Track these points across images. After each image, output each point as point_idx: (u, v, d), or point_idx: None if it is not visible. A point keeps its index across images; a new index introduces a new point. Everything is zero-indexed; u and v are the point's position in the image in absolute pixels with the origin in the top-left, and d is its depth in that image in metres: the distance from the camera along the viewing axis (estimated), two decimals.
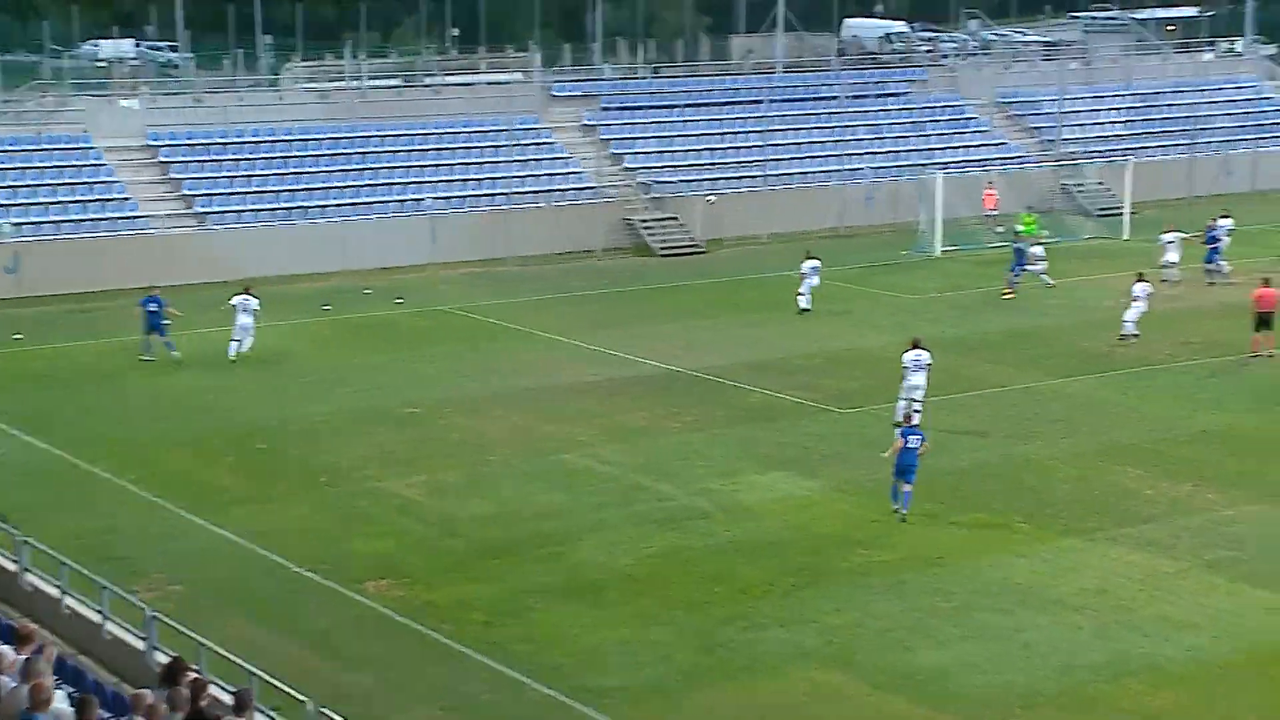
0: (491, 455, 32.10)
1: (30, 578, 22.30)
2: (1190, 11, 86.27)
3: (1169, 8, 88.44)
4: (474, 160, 56.71)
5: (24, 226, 48.73)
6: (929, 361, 32.96)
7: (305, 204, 53.03)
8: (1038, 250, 47.44)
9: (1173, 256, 47.27)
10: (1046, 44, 78.22)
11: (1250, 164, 66.85)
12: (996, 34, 79.23)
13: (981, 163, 61.75)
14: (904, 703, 21.29)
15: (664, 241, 55.50)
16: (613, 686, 21.78)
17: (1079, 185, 62.19)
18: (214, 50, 62.01)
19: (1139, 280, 41.08)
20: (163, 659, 17.71)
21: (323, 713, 16.87)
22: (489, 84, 61.31)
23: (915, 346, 33.26)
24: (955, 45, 76.22)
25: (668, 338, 42.35)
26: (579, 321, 44.35)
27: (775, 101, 62.22)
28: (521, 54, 64.12)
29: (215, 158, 53.55)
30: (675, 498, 29.36)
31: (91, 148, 52.16)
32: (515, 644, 23.05)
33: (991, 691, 21.55)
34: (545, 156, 58.17)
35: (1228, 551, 26.22)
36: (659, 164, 59.34)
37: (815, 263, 45.09)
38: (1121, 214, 56.99)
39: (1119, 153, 62.85)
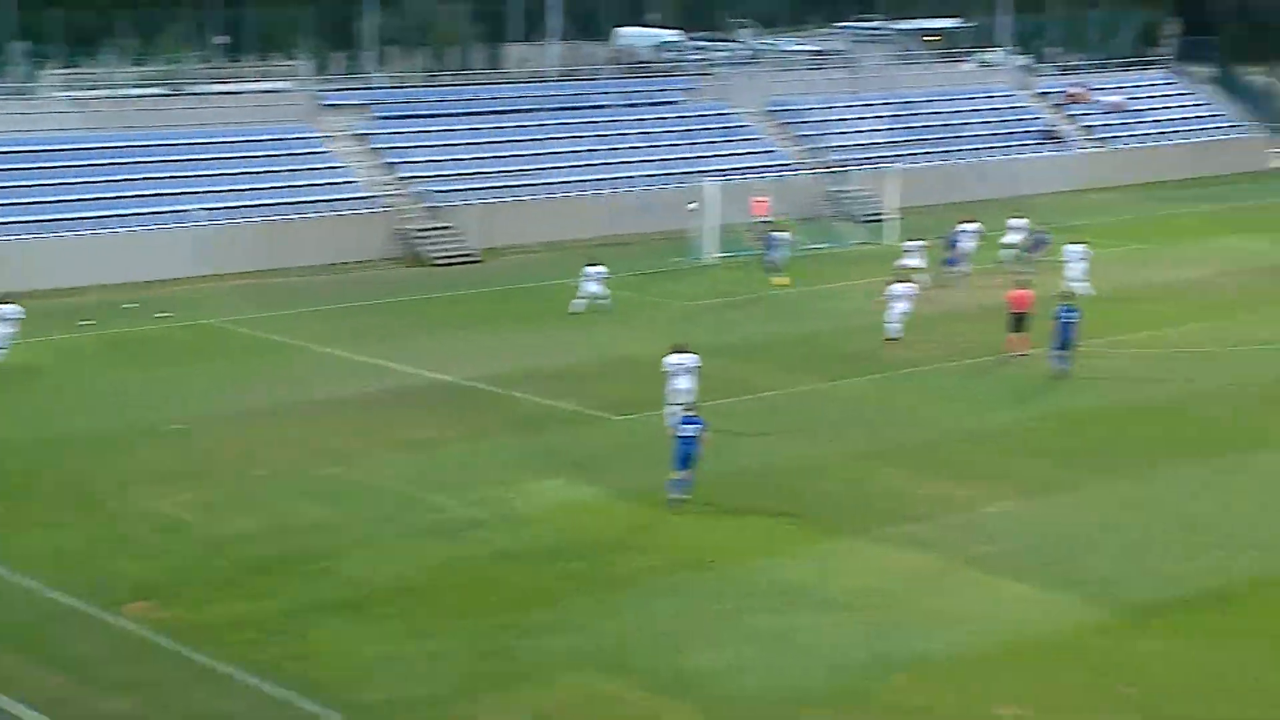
0: (261, 471, 31.44)
1: None
2: (949, 23, 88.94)
3: (929, 19, 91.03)
4: (243, 170, 55.51)
5: None
6: (695, 365, 33.21)
7: (64, 215, 51.24)
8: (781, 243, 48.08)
9: (914, 263, 48.71)
10: (814, 54, 79.80)
11: (1006, 171, 69.13)
12: (766, 43, 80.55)
13: (752, 170, 62.69)
14: (678, 705, 21.41)
15: (439, 251, 55.10)
16: (383, 700, 21.50)
17: (845, 192, 63.57)
18: None
19: (901, 282, 42.10)
20: None
21: None
22: (257, 92, 60.11)
23: (678, 351, 33.53)
24: (726, 54, 77.28)
25: (442, 348, 42.04)
26: (352, 333, 43.74)
27: (549, 110, 62.31)
28: (291, 62, 63.05)
29: None
30: (450, 508, 29.17)
31: None
32: (285, 662, 22.60)
33: (764, 692, 21.82)
34: (318, 166, 57.27)
35: (988, 547, 26.98)
36: (434, 173, 58.88)
37: (599, 269, 45.34)
38: (886, 220, 58.38)
39: (883, 160, 64.42)
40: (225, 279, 50.53)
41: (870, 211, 61.69)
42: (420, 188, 57.68)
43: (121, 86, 57.10)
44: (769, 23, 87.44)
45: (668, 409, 32.79)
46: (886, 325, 41.41)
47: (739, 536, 27.68)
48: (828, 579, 25.67)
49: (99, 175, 53.21)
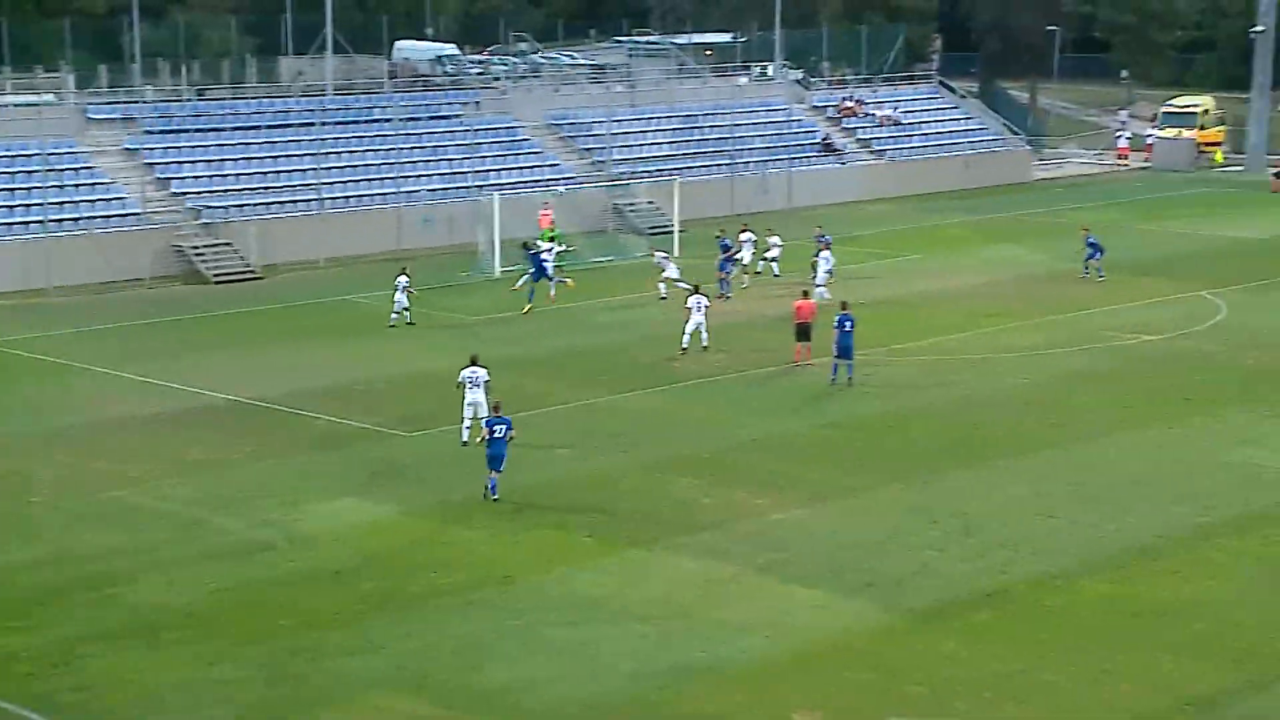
0: (36, 497, 30.41)
1: None
2: (725, 37, 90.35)
3: (705, 33, 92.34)
4: (4, 186, 53.62)
5: None
6: (486, 379, 33.15)
7: None
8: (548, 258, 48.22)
9: (672, 273, 49.42)
10: (593, 67, 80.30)
11: (785, 183, 70.46)
12: (545, 57, 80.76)
13: (536, 184, 62.73)
14: None
15: (217, 268, 53.92)
16: None
17: (630, 205, 64.06)
18: None
19: (695, 293, 42.53)
20: None
21: None
22: (17, 105, 58.05)
23: (473, 364, 33.44)
24: (506, 68, 77.27)
25: (225, 366, 41.21)
26: (129, 353, 42.58)
27: (327, 124, 61.45)
28: (53, 75, 61.07)
29: None
30: (237, 531, 28.58)
31: None
32: (64, 694, 21.90)
33: (560, 705, 21.81)
34: (84, 182, 55.56)
35: (777, 554, 27.37)
36: (208, 189, 57.63)
37: (403, 279, 45.42)
38: (671, 232, 58.95)
39: (665, 173, 65.04)
40: None
41: (655, 224, 62.27)
42: (194, 204, 56.38)
43: None
44: (545, 37, 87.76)
45: (466, 423, 32.90)
46: (684, 335, 41.74)
47: (534, 550, 27.62)
48: (623, 590, 25.78)
49: None
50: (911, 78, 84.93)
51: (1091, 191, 77.52)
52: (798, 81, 79.90)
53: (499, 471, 29.69)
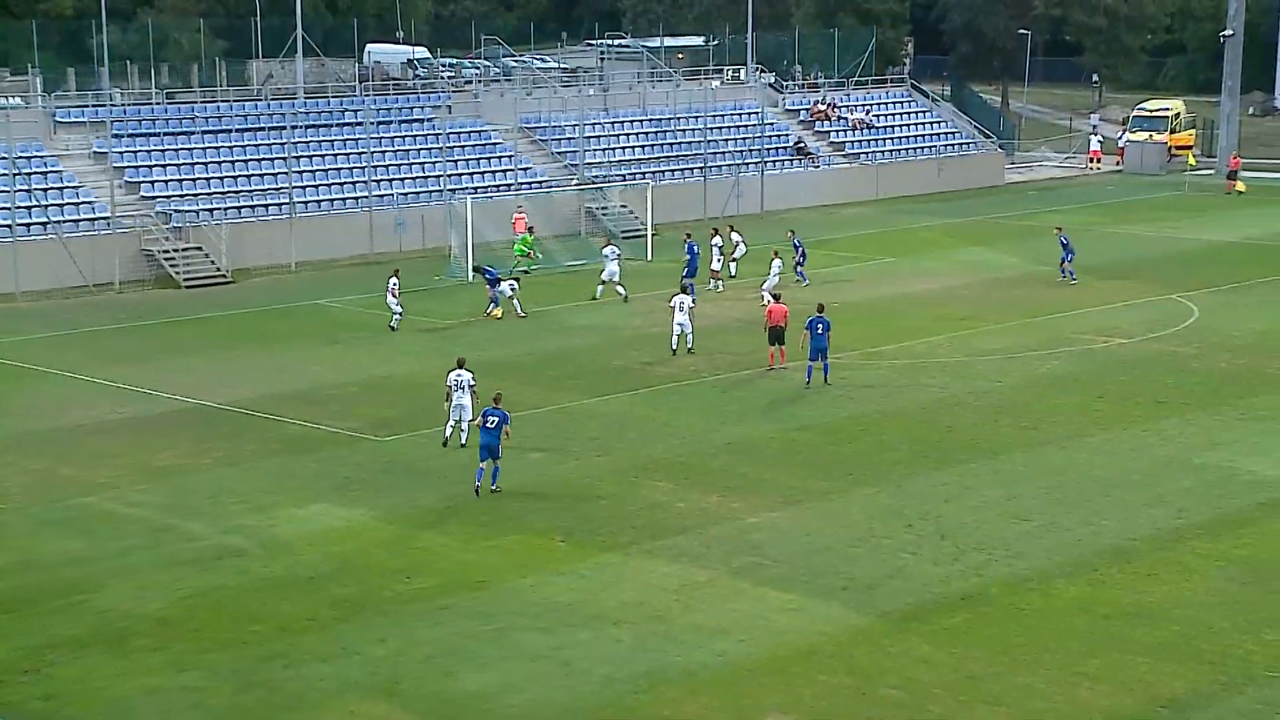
0: (3, 503, 30.15)
1: None
2: (696, 41, 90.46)
3: (677, 37, 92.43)
4: None
5: None
6: (471, 382, 33.16)
7: None
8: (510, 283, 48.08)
9: (608, 273, 49.51)
10: (565, 71, 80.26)
11: (758, 186, 70.47)
12: (517, 60, 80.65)
13: (508, 188, 62.63)
14: None
15: (188, 272, 53.65)
16: None
17: (603, 208, 63.98)
18: None
19: (681, 292, 42.55)
20: None
21: None
22: None
23: (459, 366, 33.46)
24: (478, 71, 77.16)
25: (195, 371, 40.98)
26: (98, 358, 42.31)
27: (298, 128, 61.22)
28: (20, 78, 60.67)
29: None
30: (208, 536, 28.38)
31: None
32: (32, 702, 21.70)
33: (534, 710, 21.70)
34: (53, 186, 55.22)
35: (752, 558, 27.30)
36: (178, 192, 57.34)
37: (394, 282, 45.37)
38: (644, 236, 58.91)
39: (638, 176, 65.05)
40: None
41: (628, 228, 62.23)
42: (164, 207, 56.08)
43: None
44: (517, 40, 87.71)
45: (448, 424, 33.09)
46: (675, 336, 41.88)
47: (507, 555, 27.49)
48: (597, 594, 25.66)
49: None
50: (884, 81, 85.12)
51: (1063, 194, 77.79)
52: (770, 85, 79.96)
53: (495, 460, 30.10)
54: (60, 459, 33.08)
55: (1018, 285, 52.68)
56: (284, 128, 60.20)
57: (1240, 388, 38.75)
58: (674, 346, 41.86)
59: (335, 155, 62.17)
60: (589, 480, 31.67)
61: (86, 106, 60.02)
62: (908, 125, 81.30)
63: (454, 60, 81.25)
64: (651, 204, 59.23)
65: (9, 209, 52.42)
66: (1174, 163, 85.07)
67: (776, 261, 48.88)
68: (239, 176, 59.30)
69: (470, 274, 51.65)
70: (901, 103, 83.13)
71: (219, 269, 54.16)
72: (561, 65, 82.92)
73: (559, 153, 67.80)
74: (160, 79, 66.18)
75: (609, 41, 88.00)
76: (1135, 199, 75.36)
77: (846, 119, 78.51)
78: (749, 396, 38.32)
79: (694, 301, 42.81)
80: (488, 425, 30.06)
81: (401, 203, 60.66)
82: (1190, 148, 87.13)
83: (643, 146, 70.55)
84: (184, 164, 58.83)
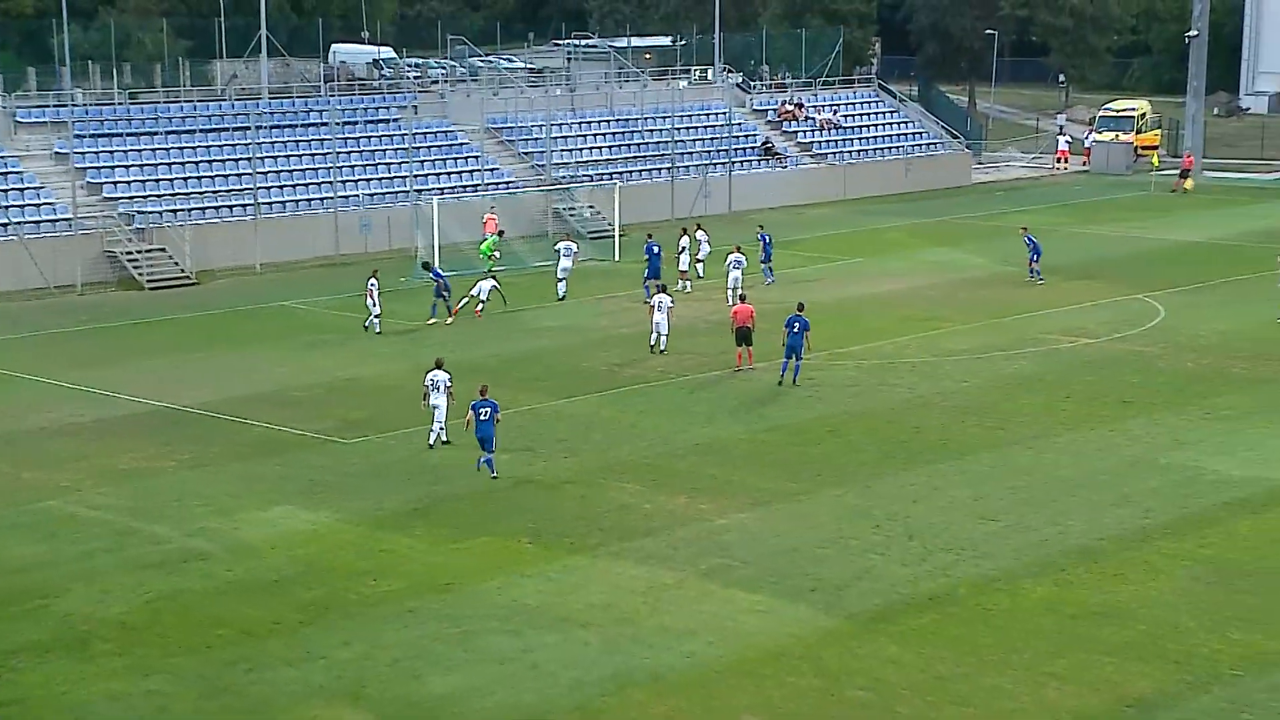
0: None
1: None
2: (664, 41, 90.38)
3: (644, 37, 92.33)
4: None
5: None
6: (448, 383, 33.09)
7: None
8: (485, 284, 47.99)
9: (561, 269, 49.55)
10: (532, 71, 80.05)
11: (725, 186, 70.42)
12: (484, 60, 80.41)
13: (475, 188, 62.42)
14: None
15: (151, 274, 53.29)
16: None
17: (570, 209, 63.81)
18: None
19: (661, 291, 42.44)
20: None
21: None
22: None
23: (437, 367, 33.43)
24: (443, 71, 76.89)
25: (159, 374, 40.72)
26: (60, 360, 42.00)
27: (262, 128, 60.86)
28: None
29: None
30: (172, 540, 28.17)
31: None
32: None
33: (501, 713, 21.60)
34: (13, 187, 54.78)
35: (720, 559, 27.22)
36: (141, 193, 56.95)
37: (374, 283, 45.10)
38: (612, 237, 58.79)
39: (606, 177, 64.91)
40: None
41: (596, 228, 62.11)
42: (127, 209, 55.69)
43: None
44: (483, 40, 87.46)
45: (435, 426, 33.24)
46: (658, 335, 41.87)
47: (475, 557, 27.35)
48: (564, 597, 25.55)
49: None
50: (851, 81, 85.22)
51: (1030, 194, 78.01)
52: (738, 85, 79.93)
53: (490, 451, 31.01)
54: (21, 463, 32.81)
55: (984, 286, 52.78)
56: (248, 128, 59.77)
57: (1205, 387, 38.89)
58: (652, 345, 41.84)
59: (300, 156, 61.85)
60: (556, 482, 31.56)
61: (48, 107, 59.56)
62: (875, 125, 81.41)
63: (420, 60, 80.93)
64: (619, 205, 59.12)
65: None
66: (1140, 163, 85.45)
67: (735, 256, 48.31)
68: (203, 177, 58.93)
69: (420, 270, 51.45)
70: (869, 103, 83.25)
71: (183, 270, 53.81)
72: (528, 65, 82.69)
73: (526, 153, 67.63)
74: (123, 79, 65.70)
75: (576, 42, 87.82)
76: (1101, 199, 75.64)
77: (814, 119, 78.57)
78: (717, 397, 38.25)
79: (673, 301, 42.81)
80: (480, 418, 30.89)
81: (367, 204, 60.40)
82: (1156, 148, 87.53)
83: (610, 147, 70.43)
84: (147, 165, 58.43)
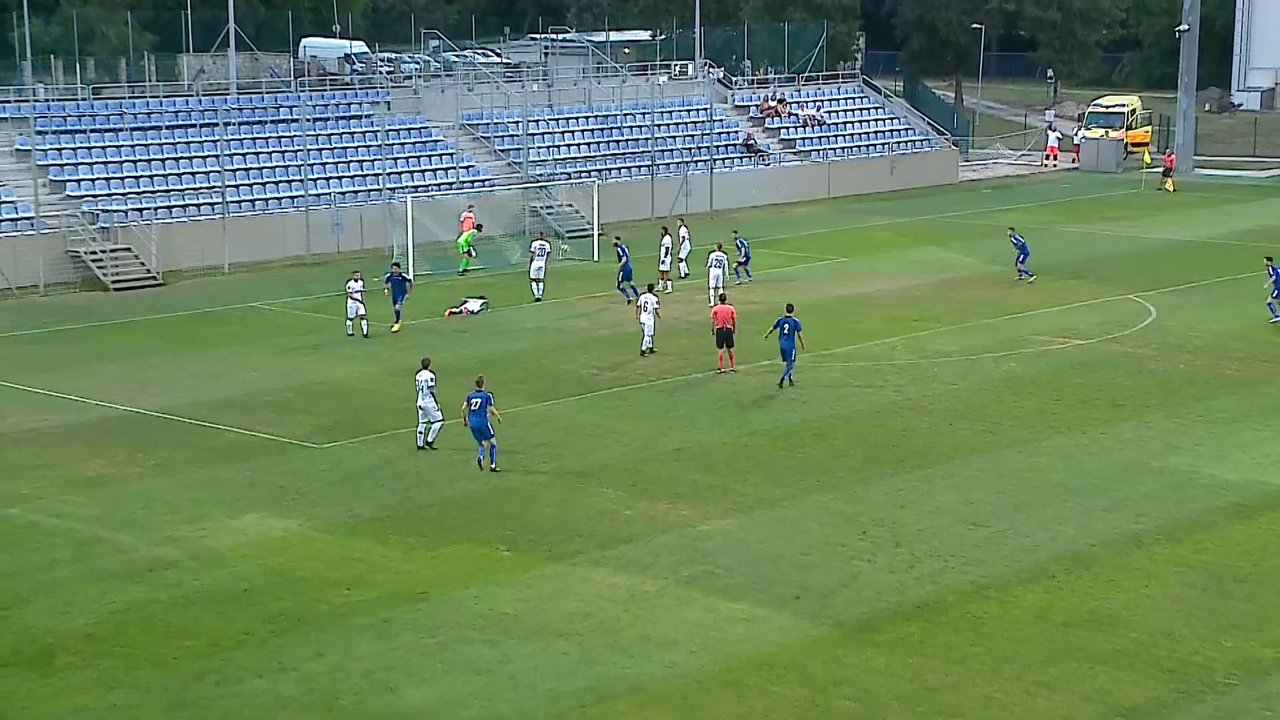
0: None
1: None
2: (643, 35, 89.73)
3: (622, 31, 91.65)
4: None
5: None
6: (430, 383, 32.82)
7: None
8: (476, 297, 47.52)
9: (534, 268, 49.03)
10: (508, 66, 79.35)
11: (707, 184, 69.74)
12: (458, 55, 79.69)
13: (450, 186, 61.68)
14: None
15: (116, 275, 52.46)
16: None
17: (548, 207, 63.09)
18: None
19: (648, 291, 41.94)
20: None
21: None
22: None
23: (424, 367, 33.17)
24: (417, 66, 76.10)
25: (125, 377, 40.06)
26: (21, 363, 41.39)
27: (231, 124, 59.99)
28: None
29: None
30: (138, 549, 27.62)
31: None
32: None
33: None
34: None
35: (702, 567, 26.70)
36: (106, 191, 56.08)
37: (357, 284, 44.40)
38: (590, 235, 58.14)
39: (584, 174, 64.20)
40: None
41: (574, 227, 61.45)
42: (91, 207, 54.81)
43: None
44: (457, 35, 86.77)
45: (422, 425, 33.03)
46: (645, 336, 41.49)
47: (451, 565, 26.82)
48: (542, 606, 25.05)
49: None
50: (835, 76, 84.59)
51: (1019, 192, 77.59)
52: (719, 80, 79.31)
53: (488, 440, 31.16)
54: None
55: (973, 285, 52.26)
56: (216, 124, 58.80)
57: (1199, 389, 38.41)
58: (644, 347, 41.36)
59: (270, 153, 61.01)
60: (534, 488, 30.98)
61: (8, 102, 58.70)
62: (859, 122, 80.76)
63: (393, 55, 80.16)
64: (597, 203, 58.47)
65: None
66: (1130, 159, 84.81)
67: (715, 255, 47.79)
68: (169, 175, 58.08)
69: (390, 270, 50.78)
70: (853, 99, 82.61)
71: (149, 271, 52.98)
72: (504, 60, 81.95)
73: (502, 150, 66.92)
74: (86, 73, 64.92)
75: (553, 36, 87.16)
76: (1091, 197, 75.23)
77: (797, 115, 77.97)
78: (698, 400, 37.66)
79: (659, 301, 42.23)
80: (472, 408, 30.98)
81: (339, 202, 59.60)
82: (1146, 144, 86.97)
83: (588, 144, 69.76)
84: (111, 162, 57.56)
